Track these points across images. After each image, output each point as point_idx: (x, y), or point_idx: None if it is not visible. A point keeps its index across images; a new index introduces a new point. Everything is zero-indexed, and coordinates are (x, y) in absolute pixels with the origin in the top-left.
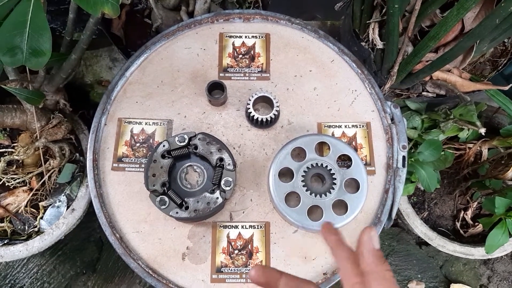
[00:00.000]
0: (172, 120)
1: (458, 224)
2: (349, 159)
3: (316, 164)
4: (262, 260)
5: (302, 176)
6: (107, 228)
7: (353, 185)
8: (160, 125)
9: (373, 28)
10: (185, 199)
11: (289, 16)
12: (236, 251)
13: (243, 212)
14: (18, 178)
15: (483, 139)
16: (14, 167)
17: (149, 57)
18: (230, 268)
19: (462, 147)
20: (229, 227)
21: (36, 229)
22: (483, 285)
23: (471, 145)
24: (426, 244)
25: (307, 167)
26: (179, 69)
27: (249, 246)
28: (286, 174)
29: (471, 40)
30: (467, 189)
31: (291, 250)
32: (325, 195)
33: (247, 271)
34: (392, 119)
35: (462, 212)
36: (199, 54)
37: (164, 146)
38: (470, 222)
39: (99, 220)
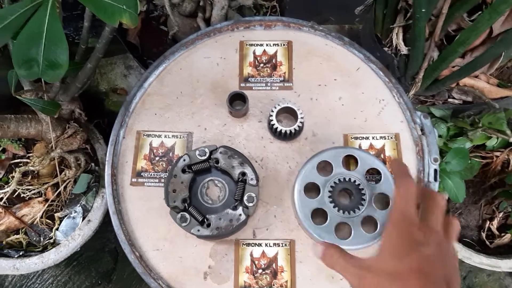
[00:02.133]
0: (192, 133)
1: (483, 235)
2: (378, 173)
3: (344, 178)
4: (287, 280)
5: (329, 191)
6: (126, 246)
7: (383, 201)
8: (180, 137)
9: (397, 33)
10: (207, 216)
11: (312, 22)
12: (260, 270)
13: (267, 229)
14: (34, 189)
15: (511, 147)
16: (30, 177)
17: (167, 67)
18: None
19: (489, 155)
20: (252, 245)
21: (51, 241)
22: None
23: (498, 154)
24: None
25: (334, 182)
26: (199, 79)
27: (273, 265)
28: (311, 189)
29: (502, 47)
30: (493, 199)
31: (317, 269)
32: (354, 211)
33: None
34: (422, 130)
35: (488, 222)
36: (219, 64)
37: (184, 160)
38: (496, 232)
39: (118, 238)
